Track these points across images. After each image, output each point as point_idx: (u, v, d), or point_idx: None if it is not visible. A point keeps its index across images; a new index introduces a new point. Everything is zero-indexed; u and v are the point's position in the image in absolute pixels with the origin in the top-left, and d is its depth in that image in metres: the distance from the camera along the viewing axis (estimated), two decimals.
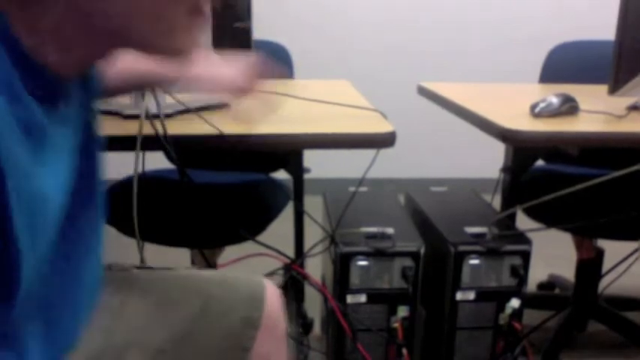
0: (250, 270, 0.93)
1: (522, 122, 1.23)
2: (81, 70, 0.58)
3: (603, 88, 1.35)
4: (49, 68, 0.53)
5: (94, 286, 0.72)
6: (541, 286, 2.14)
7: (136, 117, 1.09)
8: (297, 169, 1.51)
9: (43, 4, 0.50)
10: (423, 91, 1.73)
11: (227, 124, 1.11)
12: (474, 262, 1.31)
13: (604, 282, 1.67)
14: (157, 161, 1.45)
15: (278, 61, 1.82)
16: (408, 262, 1.28)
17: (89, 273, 0.70)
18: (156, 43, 0.55)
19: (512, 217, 1.52)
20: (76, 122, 0.62)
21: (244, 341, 0.83)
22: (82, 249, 0.68)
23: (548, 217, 1.57)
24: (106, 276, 0.76)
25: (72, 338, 0.68)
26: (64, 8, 0.50)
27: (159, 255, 1.46)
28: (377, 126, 1.16)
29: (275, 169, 1.67)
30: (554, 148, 1.51)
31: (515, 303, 1.33)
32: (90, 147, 0.67)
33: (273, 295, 0.87)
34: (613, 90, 1.32)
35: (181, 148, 1.07)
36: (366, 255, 1.27)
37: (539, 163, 1.77)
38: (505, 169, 1.58)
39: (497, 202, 1.60)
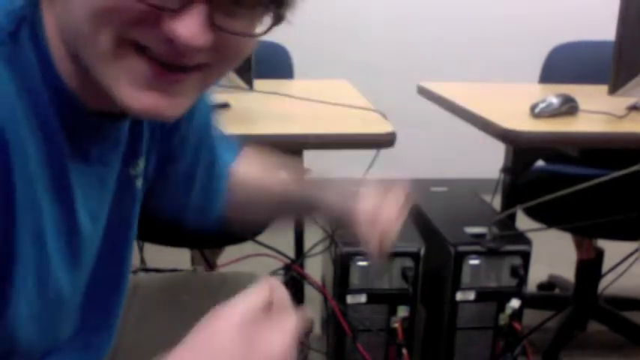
0: (250, 270, 0.93)
1: (522, 122, 1.23)
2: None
3: (603, 88, 1.35)
4: (90, 107, 0.51)
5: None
6: (541, 286, 2.14)
7: None
8: (297, 169, 1.51)
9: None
10: (423, 91, 1.72)
11: (227, 124, 1.11)
12: (474, 262, 1.30)
13: (604, 282, 1.66)
14: None
15: (278, 61, 1.82)
16: (408, 262, 1.28)
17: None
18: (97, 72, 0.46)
19: (512, 217, 1.52)
20: (110, 178, 0.59)
21: None
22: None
23: (548, 217, 1.57)
24: None
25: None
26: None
27: (159, 255, 1.46)
28: (377, 126, 1.15)
29: None
30: (554, 148, 1.51)
31: (515, 303, 1.33)
32: (122, 197, 0.63)
33: None
34: (613, 90, 1.32)
35: None
36: (366, 255, 1.27)
37: (539, 163, 1.77)
38: (505, 169, 1.58)
39: (497, 202, 1.60)
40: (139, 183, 0.66)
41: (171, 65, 0.45)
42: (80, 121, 0.51)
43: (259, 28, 0.48)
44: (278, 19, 0.47)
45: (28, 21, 0.46)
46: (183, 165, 0.75)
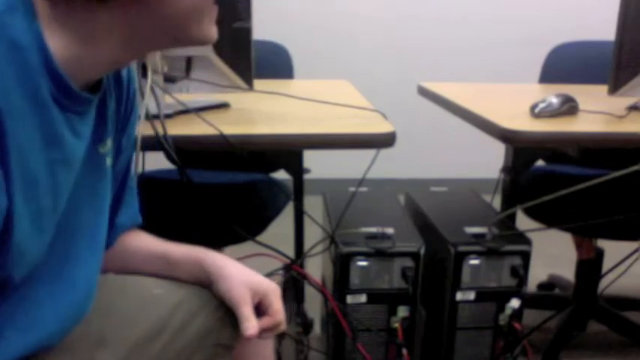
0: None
1: (522, 122, 1.23)
2: (109, 71, 0.66)
3: (603, 88, 1.35)
4: (75, 78, 0.58)
5: (87, 292, 0.71)
6: (541, 286, 2.14)
7: None
8: (297, 169, 1.51)
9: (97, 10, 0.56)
10: (423, 91, 1.72)
11: (227, 125, 1.11)
12: (474, 262, 1.31)
13: (604, 282, 1.66)
14: (157, 161, 1.45)
15: (278, 61, 1.82)
16: (408, 262, 1.28)
17: (83, 277, 0.70)
18: (192, 33, 0.63)
19: (512, 217, 1.52)
20: (89, 133, 0.65)
21: (224, 339, 0.83)
22: (79, 251, 0.68)
23: (548, 217, 1.57)
24: None
25: (53, 337, 0.68)
26: (121, 12, 0.57)
27: None
28: (377, 126, 1.16)
29: (275, 169, 1.67)
30: (554, 148, 1.51)
31: (515, 303, 1.33)
32: (96, 158, 0.69)
33: None
34: (613, 90, 1.32)
35: (181, 148, 1.07)
36: (366, 255, 1.27)
37: (539, 163, 1.77)
38: (505, 169, 1.58)
39: (497, 202, 1.59)
40: (109, 161, 0.72)
41: None
42: (66, 94, 0.58)
43: None
44: None
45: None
46: (122, 161, 0.80)
